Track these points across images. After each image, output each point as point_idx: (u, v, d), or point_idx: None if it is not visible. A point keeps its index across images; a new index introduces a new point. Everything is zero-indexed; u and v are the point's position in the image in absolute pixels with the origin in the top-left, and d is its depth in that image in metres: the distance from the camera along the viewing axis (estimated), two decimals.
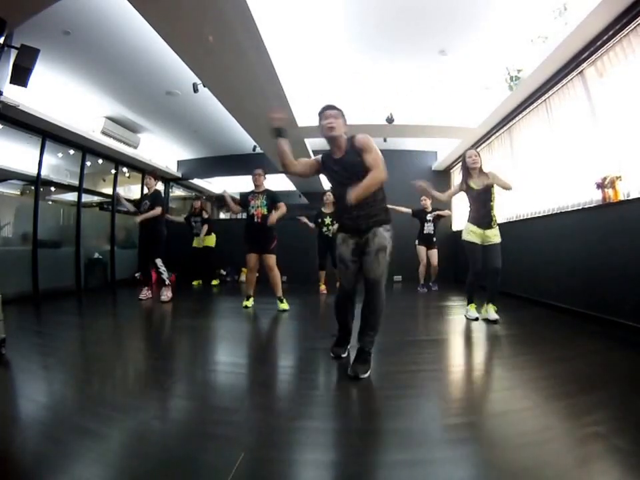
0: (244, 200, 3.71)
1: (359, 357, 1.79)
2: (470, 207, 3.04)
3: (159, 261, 4.16)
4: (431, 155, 6.86)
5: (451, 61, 3.83)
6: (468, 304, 3.09)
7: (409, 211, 4.97)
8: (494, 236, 2.92)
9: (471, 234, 2.96)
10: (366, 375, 1.72)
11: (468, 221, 3.02)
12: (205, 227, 5.80)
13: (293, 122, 4.56)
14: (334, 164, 1.92)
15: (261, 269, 3.75)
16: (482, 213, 2.91)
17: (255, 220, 3.56)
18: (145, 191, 4.45)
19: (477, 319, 2.96)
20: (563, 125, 3.45)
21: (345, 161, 1.87)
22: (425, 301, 4.32)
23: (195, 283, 5.92)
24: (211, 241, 5.98)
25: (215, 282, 5.99)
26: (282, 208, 3.55)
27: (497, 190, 2.93)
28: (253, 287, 3.82)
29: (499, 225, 3.01)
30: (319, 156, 2.02)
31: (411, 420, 1.32)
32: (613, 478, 0.96)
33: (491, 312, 2.93)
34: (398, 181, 6.25)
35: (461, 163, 3.05)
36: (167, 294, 4.10)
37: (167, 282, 4.15)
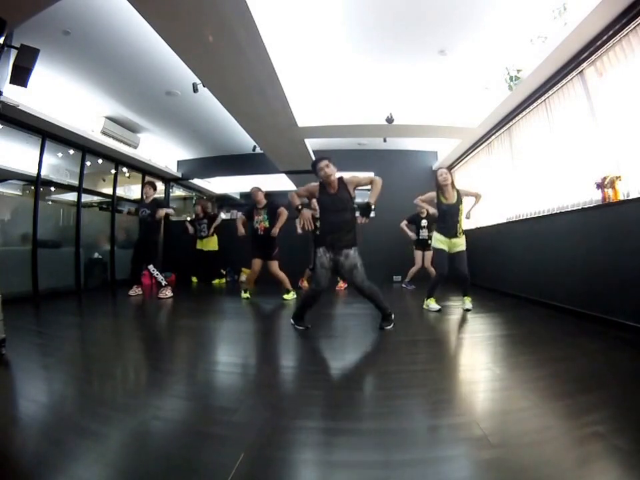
0: (249, 214, 4.23)
1: (383, 318, 2.70)
2: (439, 218, 3.44)
3: (151, 267, 4.52)
4: (431, 155, 6.85)
5: (450, 60, 3.83)
6: (428, 298, 3.46)
7: (413, 235, 5.18)
8: (459, 245, 3.33)
9: (439, 242, 3.37)
10: (390, 327, 2.66)
11: (436, 231, 3.44)
12: (219, 219, 6.02)
13: (293, 122, 4.56)
14: (328, 197, 2.60)
15: (265, 273, 4.21)
16: (449, 225, 3.32)
17: (259, 232, 4.10)
18: (137, 188, 4.68)
19: (439, 310, 3.34)
20: (562, 125, 3.45)
21: (337, 197, 2.58)
22: (422, 301, 4.31)
23: (193, 279, 6.19)
24: (214, 243, 6.05)
25: (216, 281, 6.13)
26: (282, 215, 4.04)
27: (467, 203, 3.45)
28: (251, 284, 4.39)
29: (499, 223, 3.10)
30: (317, 184, 2.66)
31: (411, 419, 1.33)
32: (613, 478, 0.96)
33: (467, 303, 3.41)
34: (398, 181, 6.30)
35: (435, 181, 3.43)
36: (165, 292, 4.40)
37: (164, 283, 4.49)
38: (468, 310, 3.34)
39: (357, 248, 2.60)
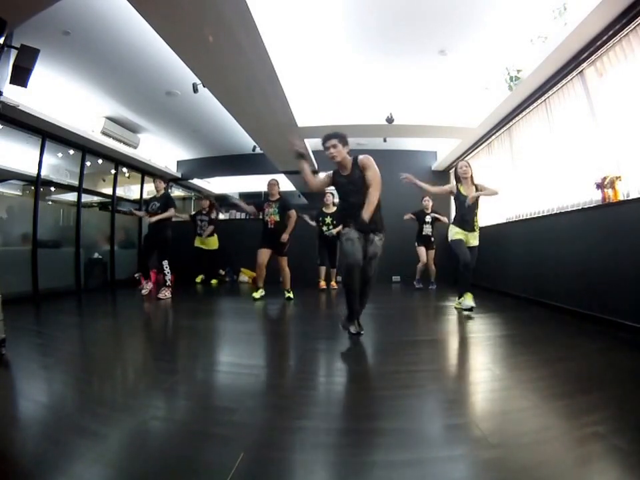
0: (259, 206, 4.19)
1: (352, 320, 2.44)
2: (456, 210, 3.37)
3: (165, 263, 4.41)
4: (430, 155, 6.85)
5: (450, 60, 3.82)
6: (463, 294, 3.23)
7: (410, 216, 5.15)
8: (474, 239, 3.31)
9: (456, 234, 3.29)
10: (362, 332, 2.43)
11: (453, 224, 3.37)
12: (211, 228, 5.89)
13: (293, 122, 4.56)
14: (342, 179, 2.44)
15: (269, 269, 4.16)
16: (467, 219, 3.27)
17: (269, 226, 4.05)
18: (149, 192, 4.60)
19: (472, 309, 3.15)
20: (562, 125, 3.45)
21: (352, 177, 2.40)
22: (423, 301, 4.32)
23: (198, 279, 6.07)
24: (214, 243, 6.01)
25: (214, 281, 6.08)
26: (292, 219, 4.06)
27: (484, 198, 3.40)
28: (262, 280, 4.18)
29: (499, 224, 3.10)
30: (331, 172, 2.53)
31: (410, 420, 1.32)
32: (613, 478, 0.96)
33: (468, 299, 3.21)
34: (398, 181, 6.28)
35: (453, 172, 3.45)
36: (165, 293, 4.31)
37: (168, 283, 4.41)
38: (471, 309, 3.16)
39: (383, 236, 2.42)
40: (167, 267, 4.41)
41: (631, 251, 2.43)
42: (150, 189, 6.35)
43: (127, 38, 3.36)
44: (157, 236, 4.43)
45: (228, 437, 1.19)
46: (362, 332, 2.46)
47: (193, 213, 6.25)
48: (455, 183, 3.42)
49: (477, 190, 3.29)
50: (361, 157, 2.38)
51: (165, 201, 4.44)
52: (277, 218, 4.04)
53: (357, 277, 2.32)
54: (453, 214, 5.70)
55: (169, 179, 7.38)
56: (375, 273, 2.43)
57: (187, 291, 5.26)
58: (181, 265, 6.35)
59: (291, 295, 4.17)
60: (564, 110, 3.43)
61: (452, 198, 3.54)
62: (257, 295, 4.10)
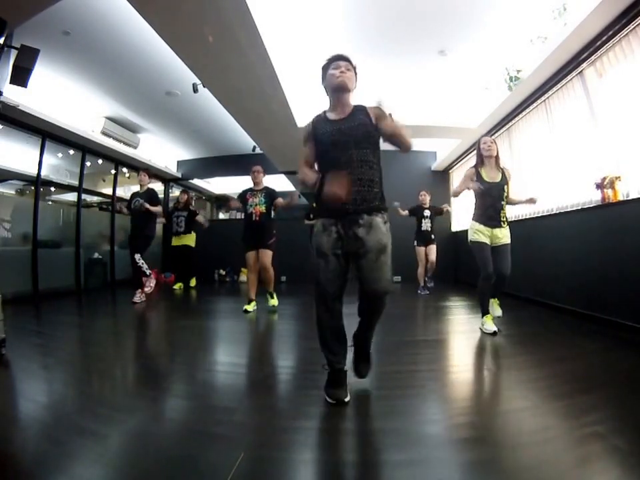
0: (242, 198, 3.57)
1: (359, 358, 1.63)
2: (476, 202, 2.64)
3: (137, 256, 4.06)
4: (430, 155, 6.85)
5: (450, 61, 3.83)
6: (483, 315, 2.56)
7: (406, 212, 4.90)
8: (504, 236, 2.54)
9: (478, 233, 2.56)
10: (368, 375, 1.65)
11: (473, 220, 2.63)
12: (200, 217, 5.45)
13: (293, 122, 4.56)
14: (332, 124, 1.62)
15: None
16: (490, 212, 2.53)
17: (254, 218, 3.41)
18: (137, 188, 4.34)
19: (495, 333, 2.44)
20: (562, 125, 3.45)
21: (348, 124, 1.60)
22: (424, 301, 4.32)
23: (176, 286, 5.49)
24: (191, 239, 5.55)
25: (192, 282, 5.66)
26: (279, 200, 3.48)
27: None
28: (254, 289, 3.52)
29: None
30: (309, 123, 1.73)
31: (410, 420, 1.32)
32: (613, 478, 0.96)
33: (495, 308, 2.66)
34: (397, 181, 6.30)
35: (475, 151, 2.74)
36: (149, 284, 4.05)
37: (148, 272, 4.10)
38: (497, 317, 2.66)
39: (388, 218, 1.60)
40: (139, 260, 4.02)
41: (631, 250, 2.43)
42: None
43: (127, 38, 3.36)
44: (140, 233, 4.12)
45: (228, 436, 1.19)
46: (365, 376, 1.60)
47: (168, 210, 5.75)
48: (475, 165, 2.71)
49: (503, 176, 2.56)
50: (371, 106, 1.70)
51: (149, 198, 4.08)
52: (263, 209, 3.40)
53: (336, 311, 1.52)
54: (454, 207, 5.78)
55: (169, 179, 7.41)
56: (390, 282, 1.54)
57: (185, 292, 5.26)
58: (180, 266, 6.34)
59: (275, 302, 3.57)
60: (564, 110, 3.43)
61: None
62: (249, 307, 3.43)
